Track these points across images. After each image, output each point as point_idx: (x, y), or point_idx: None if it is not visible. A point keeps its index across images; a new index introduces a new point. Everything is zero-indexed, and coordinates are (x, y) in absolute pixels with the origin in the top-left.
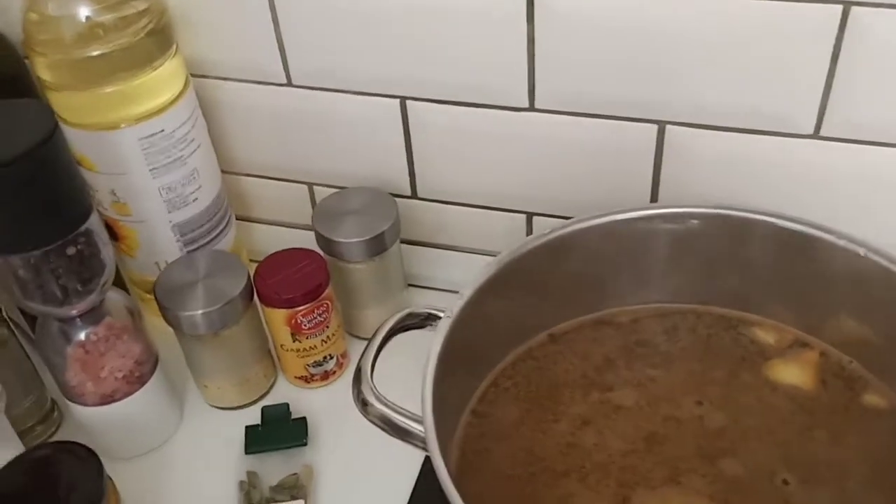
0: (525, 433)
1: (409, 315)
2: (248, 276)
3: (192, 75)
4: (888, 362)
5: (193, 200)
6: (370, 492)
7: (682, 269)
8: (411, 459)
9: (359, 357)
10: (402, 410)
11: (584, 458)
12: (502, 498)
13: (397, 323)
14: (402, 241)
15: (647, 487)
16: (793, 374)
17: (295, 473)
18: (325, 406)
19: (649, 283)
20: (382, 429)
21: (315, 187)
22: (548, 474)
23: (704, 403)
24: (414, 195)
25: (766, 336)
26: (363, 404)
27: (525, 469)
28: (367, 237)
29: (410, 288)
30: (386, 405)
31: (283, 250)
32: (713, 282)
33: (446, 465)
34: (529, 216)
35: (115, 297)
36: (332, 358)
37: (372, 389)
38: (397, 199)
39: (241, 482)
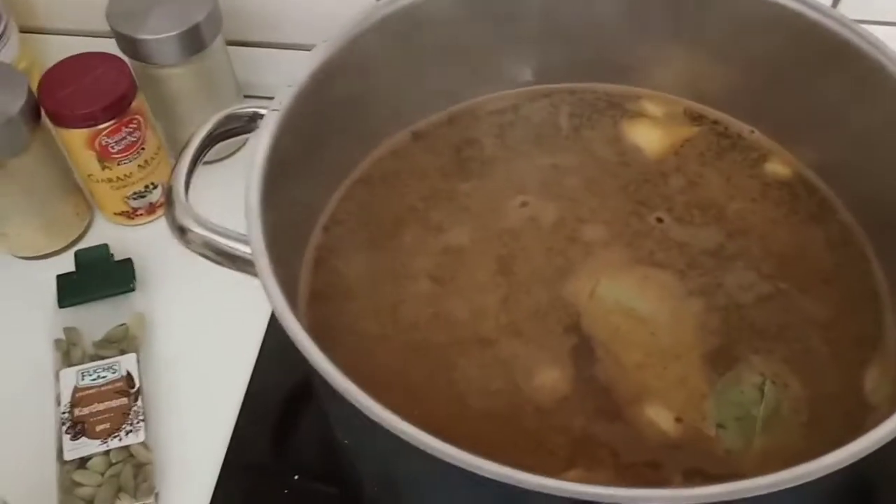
0: (382, 288)
1: (230, 117)
2: (30, 91)
3: None
4: (794, 132)
5: None
6: (215, 338)
7: (557, 38)
8: (263, 297)
9: None
10: (229, 232)
11: (466, 329)
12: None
13: (216, 127)
14: (233, 43)
15: (572, 303)
16: (647, 136)
17: (123, 324)
18: (156, 244)
19: (522, 59)
20: (210, 258)
21: None
22: (439, 347)
23: (529, 203)
24: None
25: (655, 108)
26: (180, 231)
27: (400, 333)
28: (179, 31)
29: (249, 100)
30: (208, 228)
31: (73, 56)
32: (597, 53)
33: (292, 292)
34: None
35: None
36: (155, 187)
37: (188, 211)
38: None
39: (58, 341)
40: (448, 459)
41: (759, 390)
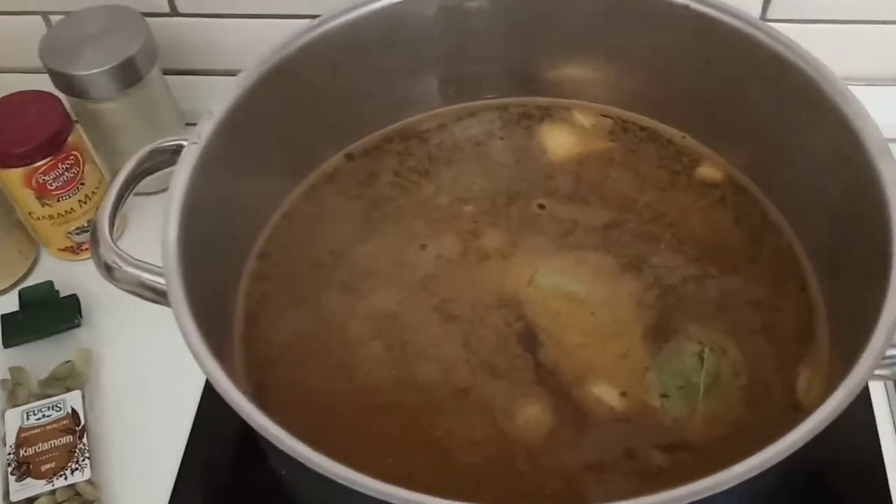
0: (313, 345)
1: (154, 152)
2: None
3: None
4: (724, 136)
5: None
6: (161, 372)
7: (487, 56)
8: None
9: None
10: (153, 268)
11: (441, 386)
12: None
13: (139, 164)
14: (172, 72)
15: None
16: (559, 140)
17: (69, 361)
18: (101, 278)
19: (449, 77)
20: (139, 295)
21: (52, 16)
22: (409, 407)
23: (428, 246)
24: (174, 11)
25: (583, 118)
26: (106, 269)
27: (359, 395)
28: (113, 64)
29: (190, 128)
30: (133, 265)
31: (6, 96)
32: (528, 67)
33: (227, 335)
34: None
35: None
36: None
37: (114, 249)
38: (156, 20)
39: (3, 381)
40: (360, 489)
41: (698, 358)
